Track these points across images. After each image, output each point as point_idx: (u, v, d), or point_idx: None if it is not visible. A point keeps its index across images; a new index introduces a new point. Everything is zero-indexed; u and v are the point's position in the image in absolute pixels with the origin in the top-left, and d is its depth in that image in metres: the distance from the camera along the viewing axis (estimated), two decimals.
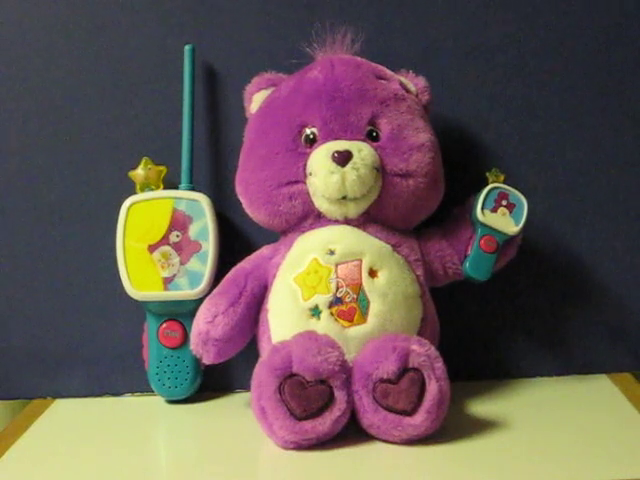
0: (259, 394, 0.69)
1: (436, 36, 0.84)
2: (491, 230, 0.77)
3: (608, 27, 0.85)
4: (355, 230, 0.75)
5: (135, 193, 0.82)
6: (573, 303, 0.86)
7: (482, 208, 0.77)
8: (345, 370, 0.69)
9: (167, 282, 0.80)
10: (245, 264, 0.79)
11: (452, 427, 0.71)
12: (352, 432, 0.70)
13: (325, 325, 0.72)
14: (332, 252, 0.73)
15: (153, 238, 0.81)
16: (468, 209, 0.79)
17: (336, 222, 0.76)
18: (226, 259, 0.81)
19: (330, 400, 0.68)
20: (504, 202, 0.78)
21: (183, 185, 0.82)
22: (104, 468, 0.70)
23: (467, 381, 0.83)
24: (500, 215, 0.78)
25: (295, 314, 0.73)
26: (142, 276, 0.80)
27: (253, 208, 0.78)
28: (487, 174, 0.79)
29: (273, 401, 0.68)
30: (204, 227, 0.81)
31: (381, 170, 0.74)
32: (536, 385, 0.84)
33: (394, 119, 0.75)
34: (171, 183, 0.82)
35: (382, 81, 0.77)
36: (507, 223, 0.78)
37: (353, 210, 0.75)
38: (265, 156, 0.76)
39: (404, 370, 0.68)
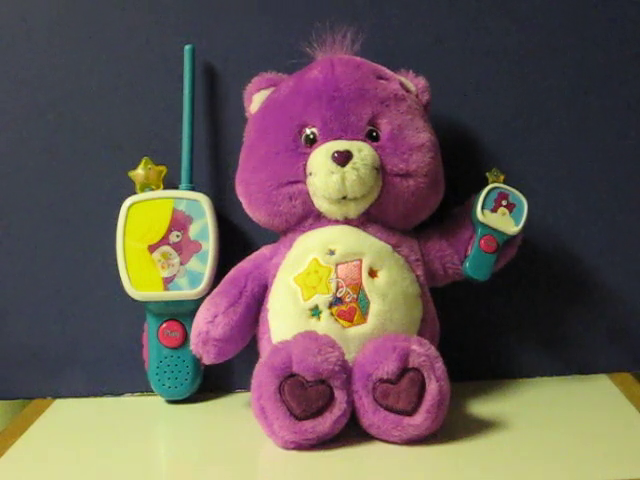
0: (259, 394, 0.69)
1: (436, 36, 0.84)
2: (491, 230, 0.77)
3: (608, 27, 0.84)
4: (355, 230, 0.75)
5: (135, 193, 0.81)
6: (573, 303, 0.86)
7: (482, 208, 0.77)
8: (345, 370, 0.69)
9: (167, 282, 0.80)
10: (245, 264, 0.79)
11: (452, 427, 0.71)
12: (352, 432, 0.70)
13: (325, 325, 0.72)
14: (332, 252, 0.73)
15: (153, 238, 0.81)
16: (468, 209, 0.79)
17: (336, 222, 0.76)
18: (226, 259, 0.81)
19: (330, 400, 0.68)
20: (504, 202, 0.78)
21: (183, 185, 0.82)
22: (104, 468, 0.70)
23: (467, 381, 0.83)
24: (500, 215, 0.78)
25: (295, 314, 0.73)
26: (142, 276, 0.80)
27: (253, 208, 0.78)
28: (487, 174, 0.79)
29: (273, 401, 0.68)
30: (204, 227, 0.81)
31: (381, 170, 0.74)
32: (536, 385, 0.84)
33: (394, 119, 0.75)
34: (171, 183, 0.82)
35: (382, 81, 0.77)
36: (507, 223, 0.78)
37: (353, 210, 0.75)
38: (265, 156, 0.76)
39: (404, 370, 0.68)
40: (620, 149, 0.85)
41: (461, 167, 0.84)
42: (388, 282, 0.73)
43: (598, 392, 0.82)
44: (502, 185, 0.79)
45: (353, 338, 0.72)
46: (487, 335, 0.86)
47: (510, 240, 0.78)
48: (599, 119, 0.85)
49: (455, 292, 0.81)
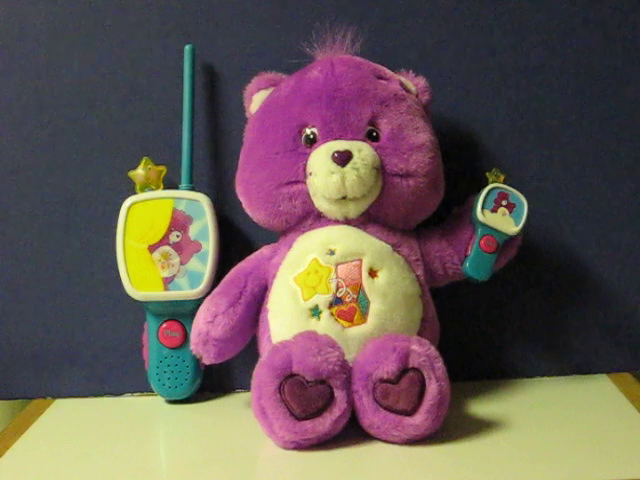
0: (259, 394, 0.68)
1: (436, 36, 0.84)
2: (491, 230, 0.77)
3: (608, 27, 0.84)
4: (355, 230, 0.75)
5: (135, 193, 0.82)
6: (573, 303, 0.86)
7: (482, 208, 0.77)
8: (345, 370, 0.69)
9: (167, 282, 0.80)
10: (245, 264, 0.79)
11: (452, 427, 0.71)
12: (352, 432, 0.70)
13: (325, 325, 0.72)
14: (332, 252, 0.73)
15: (153, 238, 0.81)
16: (468, 209, 0.79)
17: (336, 222, 0.76)
18: (226, 259, 0.81)
19: (330, 400, 0.68)
20: (504, 202, 0.78)
21: (183, 185, 0.82)
22: (104, 468, 0.70)
23: (467, 381, 0.83)
24: (500, 215, 0.78)
25: (295, 314, 0.73)
26: (142, 276, 0.80)
27: (253, 208, 0.78)
28: (487, 174, 0.79)
29: (273, 401, 0.68)
30: (204, 227, 0.81)
31: (381, 170, 0.74)
32: (536, 385, 0.84)
33: (394, 119, 0.75)
34: (171, 183, 0.82)
35: (382, 81, 0.77)
36: (507, 223, 0.78)
37: (353, 210, 0.75)
38: (265, 156, 0.76)
39: (404, 370, 0.68)
40: (620, 149, 0.85)
41: (461, 167, 0.84)
42: (388, 282, 0.73)
43: (598, 392, 0.82)
44: (502, 185, 0.79)
45: (353, 338, 0.72)
46: (487, 335, 0.86)
47: (510, 240, 0.78)
48: (599, 119, 0.85)
49: (455, 292, 0.81)
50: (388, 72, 0.79)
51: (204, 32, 0.84)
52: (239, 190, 0.79)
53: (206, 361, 0.78)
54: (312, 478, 0.67)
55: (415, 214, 0.77)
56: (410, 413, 0.68)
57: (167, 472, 0.71)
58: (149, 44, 0.85)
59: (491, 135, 0.85)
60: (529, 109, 0.85)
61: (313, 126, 0.75)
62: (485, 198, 0.78)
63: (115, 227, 0.80)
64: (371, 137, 0.75)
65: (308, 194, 0.75)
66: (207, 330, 0.76)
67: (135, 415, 0.81)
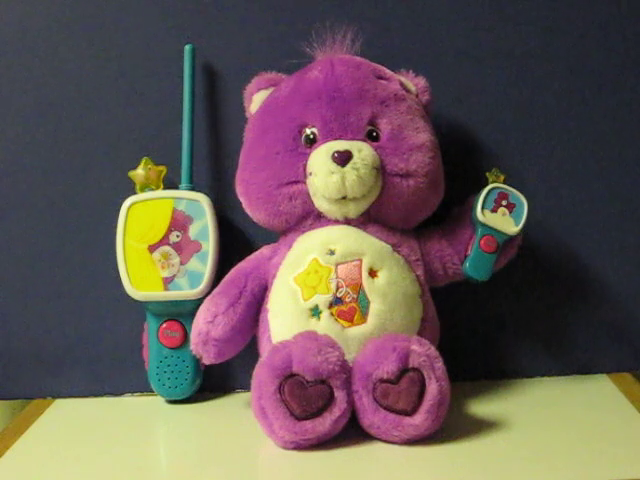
0: (259, 394, 0.69)
1: (436, 36, 0.84)
2: (491, 230, 0.77)
3: (608, 27, 0.84)
4: (355, 230, 0.75)
5: (135, 193, 0.82)
6: (573, 303, 0.86)
7: (482, 208, 0.77)
8: (345, 370, 0.69)
9: (167, 282, 0.80)
10: (245, 264, 0.79)
11: (452, 427, 0.71)
12: (352, 432, 0.70)
13: (325, 325, 0.72)
14: (332, 252, 0.73)
15: (153, 238, 0.81)
16: (468, 209, 0.79)
17: (336, 222, 0.76)
18: (226, 259, 0.81)
19: (330, 400, 0.68)
20: (504, 202, 0.78)
21: (183, 185, 0.82)
22: (104, 468, 0.70)
23: (467, 381, 0.83)
24: (500, 215, 0.78)
25: (295, 314, 0.73)
26: (142, 276, 0.80)
27: (253, 208, 0.78)
28: (487, 174, 0.79)
29: (273, 401, 0.68)
30: (204, 227, 0.81)
31: (381, 170, 0.74)
32: (536, 385, 0.84)
33: (394, 119, 0.75)
34: (171, 183, 0.82)
35: (382, 81, 0.77)
36: (507, 223, 0.78)
37: (353, 210, 0.75)
38: (265, 156, 0.76)
39: (404, 370, 0.68)
40: (620, 149, 0.85)
41: (461, 167, 0.84)
42: (388, 282, 0.73)
43: (598, 392, 0.82)
44: (502, 185, 0.79)
45: (353, 338, 0.72)
46: (487, 335, 0.86)
47: (510, 240, 0.78)
48: (599, 119, 0.85)
49: (455, 292, 0.81)
50: (388, 72, 0.79)
51: (204, 32, 0.84)
52: (239, 190, 0.79)
53: (206, 361, 0.78)
54: (312, 478, 0.67)
55: (415, 214, 0.77)
56: (410, 413, 0.68)
57: (167, 472, 0.71)
58: (149, 44, 0.85)
59: (491, 135, 0.85)
60: (529, 109, 0.85)
61: (313, 126, 0.75)
62: (485, 198, 0.78)
63: (115, 227, 0.80)
64: (371, 137, 0.75)
65: (308, 194, 0.75)
66: (207, 330, 0.76)
67: (135, 415, 0.81)
